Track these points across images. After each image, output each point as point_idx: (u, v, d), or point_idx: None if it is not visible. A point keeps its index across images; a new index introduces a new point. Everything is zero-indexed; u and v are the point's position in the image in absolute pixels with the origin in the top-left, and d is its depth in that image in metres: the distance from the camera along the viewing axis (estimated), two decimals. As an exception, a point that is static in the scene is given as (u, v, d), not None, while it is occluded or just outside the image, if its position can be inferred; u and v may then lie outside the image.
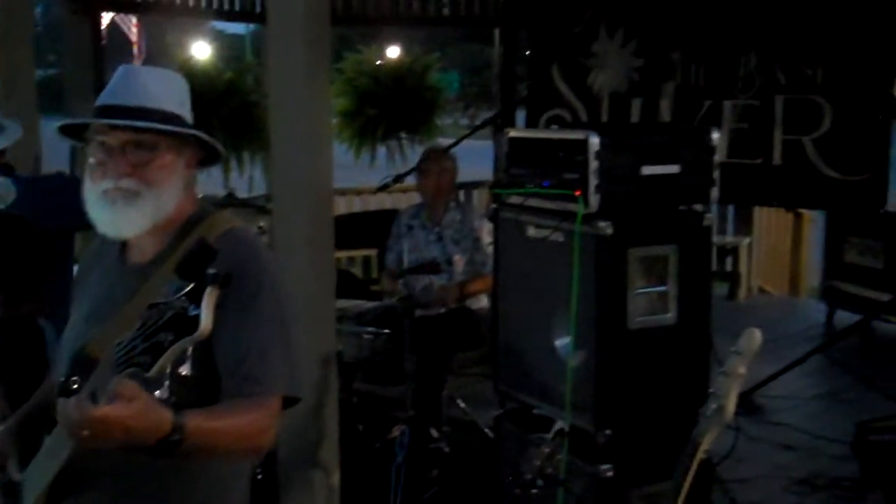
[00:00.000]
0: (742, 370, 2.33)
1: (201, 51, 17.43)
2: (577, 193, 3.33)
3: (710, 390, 2.36)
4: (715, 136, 3.53)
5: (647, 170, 3.39)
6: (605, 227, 3.28)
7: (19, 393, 2.74)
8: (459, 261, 5.28)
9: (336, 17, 8.57)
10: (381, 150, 8.73)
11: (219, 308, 1.89)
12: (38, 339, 2.90)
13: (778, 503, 4.64)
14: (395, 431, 4.65)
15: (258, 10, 7.92)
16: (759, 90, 6.15)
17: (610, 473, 3.38)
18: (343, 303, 4.90)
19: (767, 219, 9.24)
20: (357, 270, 8.45)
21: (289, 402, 2.03)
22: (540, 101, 7.21)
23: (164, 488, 1.99)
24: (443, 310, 5.16)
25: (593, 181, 3.30)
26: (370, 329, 4.77)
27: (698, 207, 3.53)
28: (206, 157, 2.17)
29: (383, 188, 4.86)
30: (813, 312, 8.28)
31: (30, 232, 3.16)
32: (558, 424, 2.92)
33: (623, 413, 3.39)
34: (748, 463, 5.06)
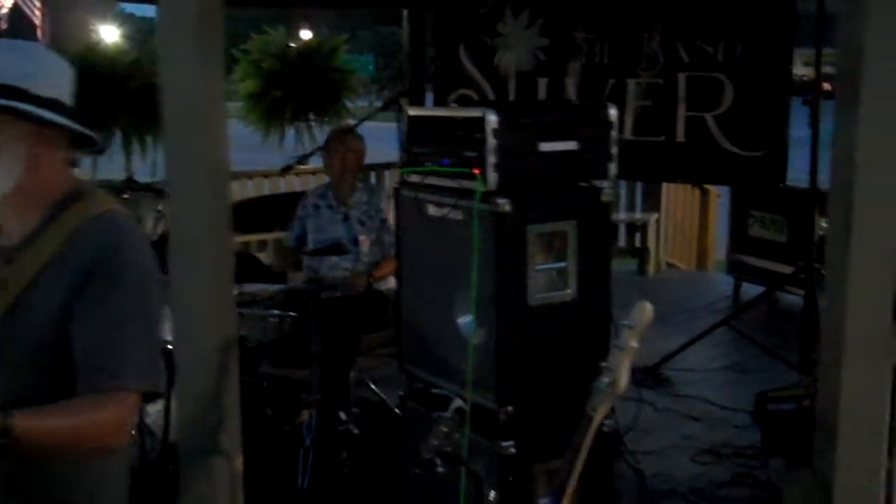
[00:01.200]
0: (634, 343, 2.34)
1: (109, 34, 17.02)
2: (476, 171, 3.31)
3: (603, 364, 2.37)
4: (612, 112, 3.55)
5: (546, 146, 3.39)
6: (504, 204, 3.28)
7: None
8: (366, 241, 5.24)
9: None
10: (291, 132, 8.61)
11: (77, 295, 1.89)
12: None
13: (684, 473, 4.72)
14: (304, 415, 4.62)
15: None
16: (662, 68, 6.23)
17: (513, 450, 3.39)
18: (248, 287, 4.84)
19: (675, 195, 9.39)
20: (269, 254, 8.37)
21: (149, 396, 2.02)
22: (447, 81, 7.20)
23: (14, 488, 1.94)
24: (350, 292, 5.13)
25: (491, 159, 3.29)
26: (275, 312, 4.71)
27: (598, 184, 3.55)
28: (84, 139, 2.09)
29: (287, 169, 4.79)
30: (720, 286, 8.45)
31: None
32: (456, 403, 2.91)
33: (524, 389, 3.40)
34: (655, 434, 5.16)
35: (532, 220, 3.36)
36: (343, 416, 4.67)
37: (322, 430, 4.58)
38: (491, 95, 6.92)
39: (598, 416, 2.39)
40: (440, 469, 3.23)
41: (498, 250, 3.30)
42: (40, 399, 1.86)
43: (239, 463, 3.82)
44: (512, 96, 6.84)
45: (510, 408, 3.39)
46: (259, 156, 8.65)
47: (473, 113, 3.37)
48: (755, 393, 4.53)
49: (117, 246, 1.97)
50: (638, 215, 9.35)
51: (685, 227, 9.52)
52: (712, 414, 5.47)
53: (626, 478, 4.53)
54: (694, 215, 9.48)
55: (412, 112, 3.73)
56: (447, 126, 3.51)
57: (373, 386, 5.28)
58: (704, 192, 9.30)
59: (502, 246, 3.31)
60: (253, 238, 8.29)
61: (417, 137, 3.66)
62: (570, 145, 3.43)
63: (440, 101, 7.17)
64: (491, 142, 3.29)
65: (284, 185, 8.49)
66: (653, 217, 9.19)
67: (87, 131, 2.07)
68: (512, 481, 3.40)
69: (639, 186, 9.40)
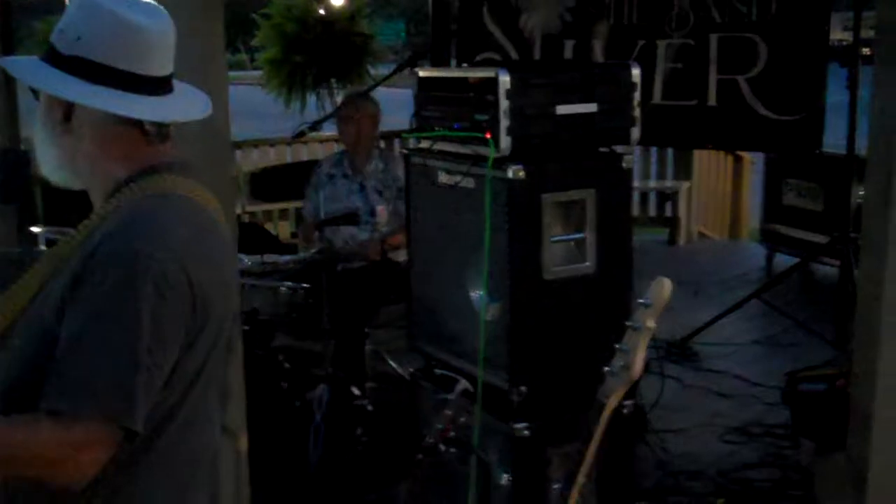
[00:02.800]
0: (650, 323, 2.15)
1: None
2: (488, 136, 3.11)
3: (616, 346, 2.18)
4: (635, 72, 3.32)
5: (563, 109, 3.17)
6: (517, 170, 3.07)
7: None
8: (383, 211, 5.05)
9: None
10: (313, 99, 8.42)
11: (70, 287, 1.62)
12: None
13: (711, 453, 4.53)
14: (318, 390, 4.47)
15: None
16: (692, 29, 5.97)
17: (526, 432, 3.21)
18: (259, 258, 4.68)
19: (707, 162, 9.12)
20: (291, 223, 8.21)
21: (129, 434, 1.58)
22: (471, 45, 6.97)
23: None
24: (365, 263, 4.95)
25: (504, 122, 3.08)
26: (287, 284, 4.55)
27: (619, 149, 3.33)
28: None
29: (299, 136, 4.58)
30: (753, 256, 8.20)
31: None
32: (461, 384, 2.74)
33: (539, 368, 3.21)
34: (683, 412, 4.97)
35: (548, 187, 3.15)
36: (356, 391, 4.51)
37: (334, 406, 4.43)
38: (515, 58, 6.69)
39: (612, 402, 2.21)
40: (451, 449, 3.08)
41: (511, 220, 3.10)
42: (22, 398, 1.60)
43: (244, 442, 3.68)
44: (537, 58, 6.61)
45: (523, 388, 3.19)
46: (282, 124, 8.50)
47: (485, 73, 3.16)
48: (786, 372, 4.33)
49: (119, 231, 1.65)
50: (668, 183, 9.09)
51: (717, 195, 9.24)
52: (742, 390, 5.26)
53: (648, 459, 4.34)
54: (727, 183, 9.21)
55: (422, 74, 3.52)
56: (458, 88, 3.30)
57: (389, 360, 5.11)
58: (738, 159, 9.03)
59: (515, 215, 3.10)
60: (274, 207, 8.16)
61: (428, 100, 3.46)
62: (589, 108, 3.21)
63: (463, 64, 6.95)
64: (503, 104, 3.08)
65: (307, 152, 8.33)
66: (684, 185, 8.92)
67: (128, 112, 1.74)
68: (525, 464, 3.22)
69: (669, 153, 9.13)
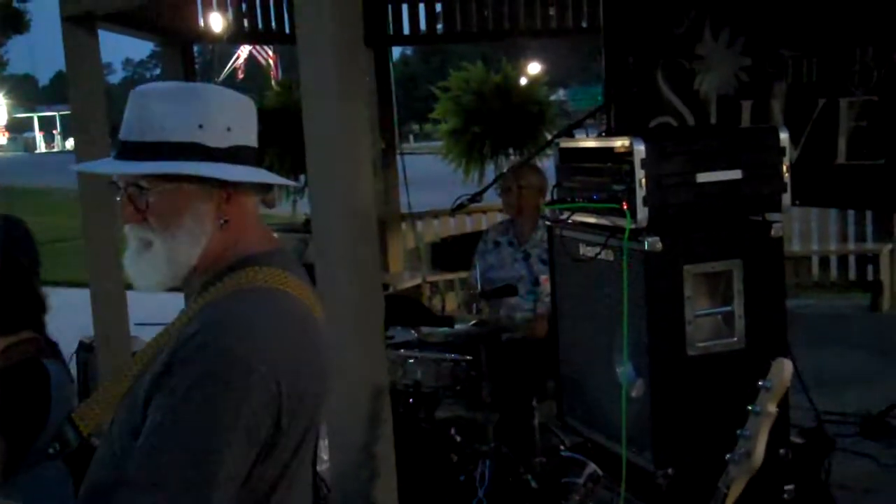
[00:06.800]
0: (772, 408, 2.00)
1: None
2: (624, 207, 3.00)
3: (738, 432, 2.02)
4: (783, 136, 3.14)
5: (703, 177, 3.03)
6: (654, 242, 2.95)
7: (19, 436, 2.62)
8: (546, 281, 4.97)
9: (459, 32, 8.47)
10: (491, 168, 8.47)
11: (151, 391, 1.61)
12: (43, 380, 2.75)
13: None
14: (480, 466, 4.40)
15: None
16: (876, 84, 5.63)
17: (675, 517, 3.03)
18: (420, 330, 4.69)
19: (911, 222, 8.55)
20: (457, 294, 8.22)
21: None
22: (646, 109, 6.83)
23: None
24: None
25: (640, 192, 2.97)
26: (449, 356, 4.53)
27: (770, 216, 3.15)
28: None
29: (459, 208, 4.59)
30: (963, 323, 7.59)
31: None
32: (589, 468, 2.61)
33: (686, 449, 3.03)
34: (880, 494, 4.59)
35: (689, 259, 3.00)
36: (522, 468, 4.41)
37: (496, 482, 4.34)
38: (692, 122, 6.50)
39: (733, 492, 2.05)
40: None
41: (649, 293, 2.97)
42: (107, 490, 1.60)
43: (393, 518, 3.66)
44: (714, 122, 6.40)
45: (670, 470, 3.02)
46: (464, 192, 8.59)
47: (621, 142, 3.07)
48: None
49: (209, 327, 1.60)
50: (869, 245, 8.57)
51: (924, 256, 8.64)
52: (945, 472, 4.83)
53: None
54: (933, 244, 8.61)
55: (563, 144, 3.46)
56: (597, 158, 3.22)
57: (560, 434, 4.98)
58: (944, 219, 8.44)
59: (654, 288, 2.97)
60: (455, 276, 8.22)
61: (568, 171, 3.39)
62: (733, 174, 3.05)
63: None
64: (639, 173, 2.97)
65: (486, 222, 8.36)
66: (885, 247, 8.39)
67: (270, 178, 1.79)
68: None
69: (868, 214, 8.62)
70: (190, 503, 1.53)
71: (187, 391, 1.55)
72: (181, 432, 1.54)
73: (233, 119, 1.74)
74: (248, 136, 1.76)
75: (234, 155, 1.72)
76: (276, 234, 1.91)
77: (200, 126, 1.70)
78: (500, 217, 6.44)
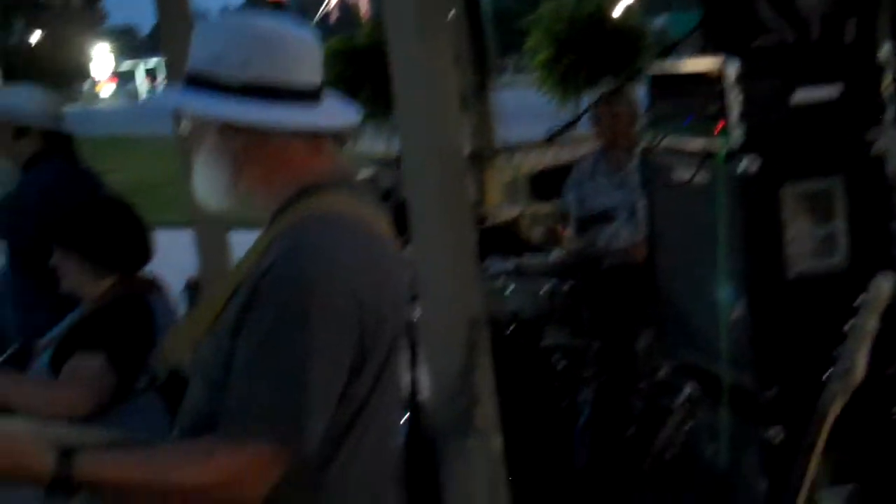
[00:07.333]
0: (871, 325, 1.97)
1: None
2: (719, 127, 2.96)
3: (835, 352, 2.01)
4: (885, 51, 3.05)
5: (800, 95, 2.97)
6: (750, 162, 2.91)
7: (125, 370, 2.74)
8: (643, 207, 4.94)
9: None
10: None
11: (241, 316, 1.65)
12: (147, 315, 2.86)
13: None
14: (583, 392, 4.45)
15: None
16: None
17: (781, 437, 3.02)
18: (518, 260, 4.72)
19: None
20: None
21: (295, 453, 1.59)
22: (745, 30, 6.65)
23: None
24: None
25: (734, 112, 2.93)
26: (547, 285, 4.56)
27: (870, 134, 3.07)
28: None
29: (552, 138, 4.57)
30: None
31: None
32: (687, 389, 2.61)
33: (788, 370, 3.01)
34: None
35: (787, 178, 2.95)
36: (624, 392, 4.43)
37: (598, 407, 4.39)
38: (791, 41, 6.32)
39: (832, 413, 2.04)
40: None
41: (746, 215, 2.94)
42: (210, 425, 1.65)
43: (497, 443, 3.72)
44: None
45: (773, 390, 3.01)
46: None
47: (713, 63, 3.02)
48: None
49: (284, 257, 1.64)
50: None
51: None
52: None
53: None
54: None
55: (654, 71, 3.42)
56: (689, 81, 3.18)
57: (660, 358, 4.98)
58: None
59: (751, 210, 2.94)
60: (538, 210, 8.18)
61: (660, 96, 3.35)
62: (832, 91, 2.98)
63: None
64: (733, 93, 2.93)
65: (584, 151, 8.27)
66: None
67: (279, 122, 1.73)
68: (780, 471, 3.03)
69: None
70: (286, 433, 1.59)
71: (272, 323, 1.60)
72: (270, 364, 1.60)
73: (257, 53, 1.70)
74: (284, 72, 1.72)
75: (254, 90, 1.70)
76: (370, 170, 1.95)
77: (215, 57, 1.71)
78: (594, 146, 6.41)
